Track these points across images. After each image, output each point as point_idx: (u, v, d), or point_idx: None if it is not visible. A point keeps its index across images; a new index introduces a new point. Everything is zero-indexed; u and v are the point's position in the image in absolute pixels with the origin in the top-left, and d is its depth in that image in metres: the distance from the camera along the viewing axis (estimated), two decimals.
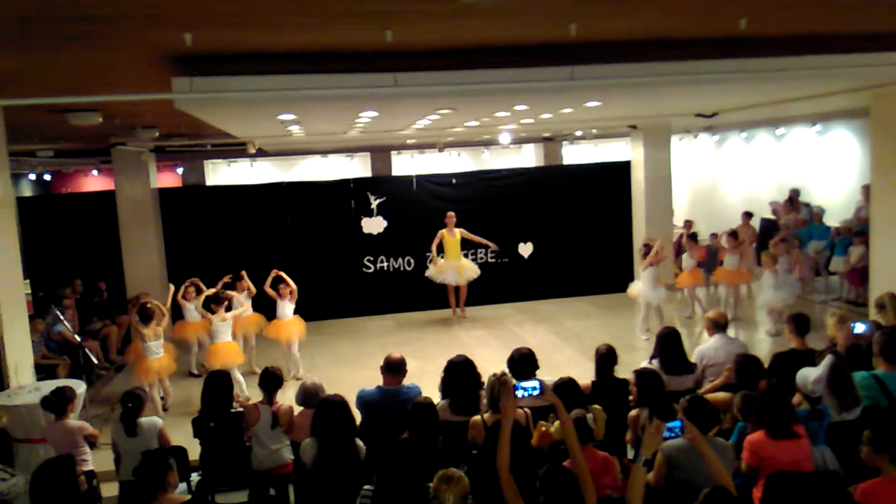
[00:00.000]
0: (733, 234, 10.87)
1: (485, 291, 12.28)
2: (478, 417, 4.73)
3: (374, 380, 5.63)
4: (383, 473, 3.97)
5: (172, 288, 9.01)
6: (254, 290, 9.23)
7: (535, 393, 3.88)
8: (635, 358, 8.01)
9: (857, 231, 10.91)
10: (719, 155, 17.31)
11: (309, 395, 5.40)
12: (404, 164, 18.42)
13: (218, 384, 5.69)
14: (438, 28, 4.84)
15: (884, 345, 5.14)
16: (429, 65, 5.44)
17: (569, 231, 13.31)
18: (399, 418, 4.78)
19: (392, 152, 17.51)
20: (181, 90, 5.12)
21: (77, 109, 7.23)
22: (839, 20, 5.42)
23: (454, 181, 13.14)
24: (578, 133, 15.00)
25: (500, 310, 12.40)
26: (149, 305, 8.03)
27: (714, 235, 13.00)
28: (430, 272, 11.51)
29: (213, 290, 8.85)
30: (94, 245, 12.04)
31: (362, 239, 12.69)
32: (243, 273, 9.29)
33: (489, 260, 12.89)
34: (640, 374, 5.22)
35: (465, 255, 11.87)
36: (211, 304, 8.31)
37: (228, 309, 8.48)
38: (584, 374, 5.64)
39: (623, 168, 13.42)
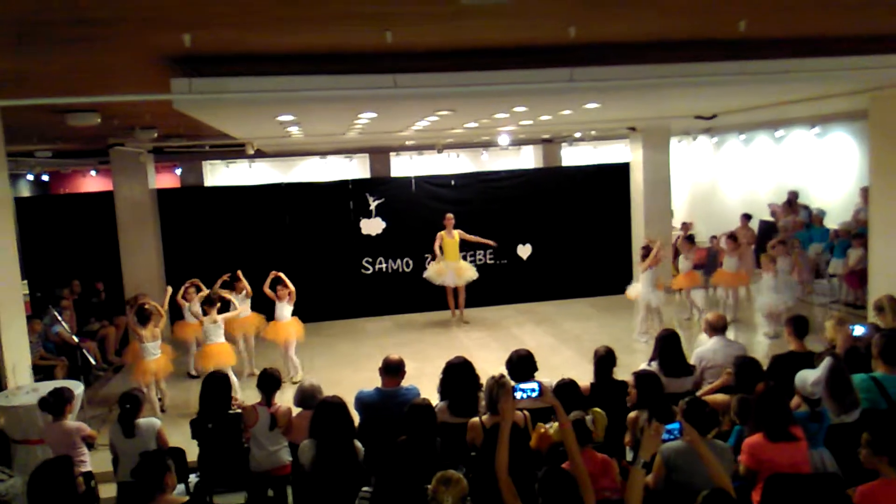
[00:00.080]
0: (732, 237, 10.87)
1: (483, 293, 12.28)
2: (476, 419, 4.72)
3: (372, 381, 5.62)
4: (382, 475, 3.96)
5: (170, 290, 8.99)
6: (251, 291, 9.22)
7: (534, 395, 3.88)
8: (634, 360, 8.00)
9: (856, 233, 10.92)
10: (718, 157, 17.33)
11: (307, 397, 5.39)
12: (403, 166, 18.43)
13: (216, 385, 5.69)
14: (438, 29, 4.83)
15: (883, 347, 5.14)
16: (428, 66, 5.44)
17: (568, 233, 13.31)
18: (398, 420, 4.76)
19: (391, 153, 17.52)
20: (180, 91, 5.11)
21: (76, 110, 7.22)
22: (839, 22, 5.42)
23: (453, 182, 13.14)
24: (577, 135, 15.01)
25: (499, 311, 12.39)
26: (147, 306, 8.02)
27: (714, 238, 13.00)
28: (429, 274, 11.50)
29: (208, 291, 8.85)
30: (93, 246, 12.02)
31: (361, 240, 12.68)
32: (239, 273, 9.28)
33: (488, 261, 12.90)
34: (640, 376, 5.22)
35: (464, 257, 11.86)
36: (203, 306, 8.31)
37: (223, 310, 8.49)
38: (583, 376, 5.64)
39: (622, 170, 13.42)
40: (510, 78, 5.55)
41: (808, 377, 4.87)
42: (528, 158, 19.65)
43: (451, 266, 11.32)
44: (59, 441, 5.49)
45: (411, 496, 3.75)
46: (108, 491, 5.75)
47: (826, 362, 4.85)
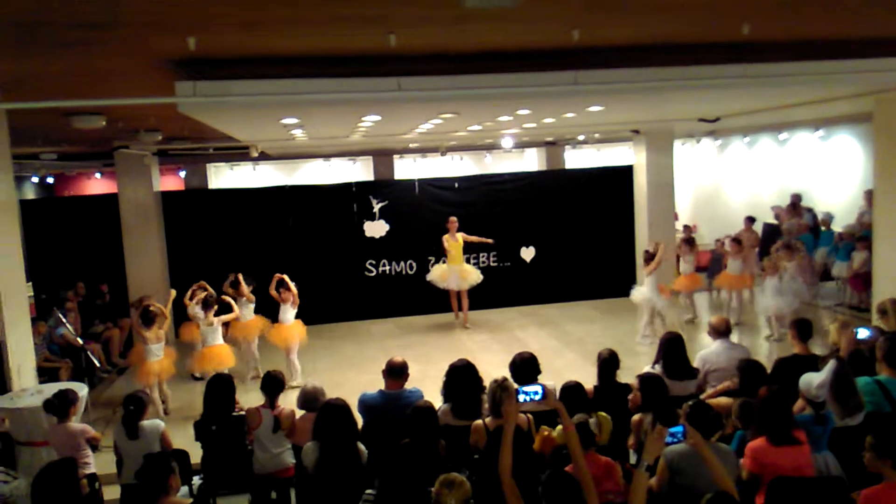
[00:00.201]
0: (736, 240, 10.87)
1: (487, 295, 12.27)
2: (480, 422, 4.73)
3: (376, 383, 5.63)
4: (385, 477, 3.96)
5: (174, 293, 9.01)
6: (251, 296, 9.22)
7: (537, 398, 3.88)
8: (637, 363, 8.00)
9: (860, 236, 10.90)
10: (722, 160, 17.31)
11: (310, 399, 5.39)
12: (407, 168, 18.44)
13: (220, 387, 5.70)
14: (442, 32, 4.84)
15: (887, 350, 5.13)
16: (432, 69, 5.45)
17: (571, 235, 13.31)
18: (401, 422, 4.77)
19: (394, 156, 17.54)
20: (185, 94, 5.13)
21: (81, 113, 7.25)
22: (842, 26, 5.42)
23: (456, 185, 13.15)
24: (581, 137, 15.00)
25: (502, 314, 12.39)
26: (151, 308, 8.04)
27: (719, 241, 12.99)
28: (432, 277, 11.50)
29: (206, 294, 8.87)
30: (97, 248, 12.04)
31: (364, 242, 12.70)
32: (240, 276, 9.28)
33: (491, 264, 12.90)
34: (644, 378, 5.22)
35: (467, 260, 11.86)
36: (201, 308, 8.33)
37: (222, 312, 8.49)
38: (587, 379, 5.63)
39: (625, 172, 13.41)
40: (514, 81, 5.55)
41: (812, 380, 4.86)
42: (531, 161, 19.66)
43: (455, 269, 11.32)
44: (63, 443, 5.50)
45: (414, 499, 3.75)
46: (111, 493, 5.75)
47: (831, 365, 4.84)
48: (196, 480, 5.69)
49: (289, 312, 8.97)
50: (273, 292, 9.01)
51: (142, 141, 9.91)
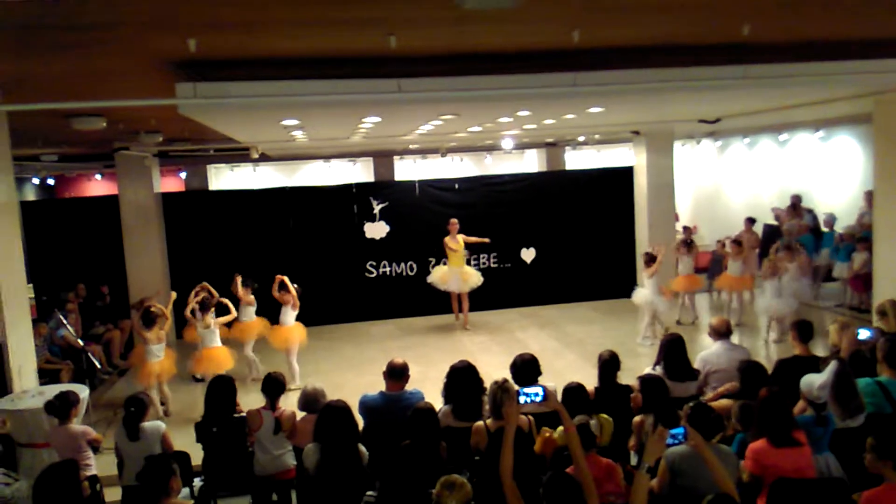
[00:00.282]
0: (736, 242, 10.87)
1: (487, 297, 12.26)
2: (480, 423, 4.73)
3: (376, 385, 5.63)
4: (386, 479, 3.96)
5: (174, 294, 9.00)
6: (249, 299, 9.21)
7: (538, 399, 3.88)
8: (638, 364, 8.00)
9: (860, 237, 10.90)
10: (722, 161, 17.31)
11: (310, 401, 5.39)
12: (407, 169, 18.45)
13: (221, 389, 5.70)
14: (442, 34, 4.85)
15: (888, 351, 5.13)
16: (432, 70, 5.45)
17: (571, 236, 13.31)
18: (402, 424, 4.77)
19: (395, 157, 17.54)
20: (185, 96, 5.13)
21: (81, 114, 7.26)
22: (842, 26, 5.42)
23: (457, 186, 13.16)
24: (581, 138, 15.01)
25: (503, 315, 12.39)
26: (152, 309, 8.05)
27: (721, 243, 12.99)
28: (433, 279, 11.50)
29: (210, 293, 8.87)
30: (98, 249, 12.04)
31: (365, 244, 12.70)
32: (237, 278, 9.28)
33: (492, 265, 12.90)
34: (645, 380, 5.22)
35: (468, 262, 11.86)
36: (198, 310, 8.31)
37: (222, 313, 8.49)
38: (587, 380, 5.62)
39: (626, 173, 13.41)
40: (514, 82, 5.56)
41: (814, 381, 4.86)
42: (531, 162, 19.66)
43: (456, 271, 11.32)
44: (64, 444, 5.50)
45: (415, 500, 3.75)
46: (113, 494, 5.76)
47: (832, 366, 4.84)
48: (197, 482, 5.69)
49: (289, 314, 8.97)
50: (276, 294, 9.00)
51: (142, 142, 9.92)
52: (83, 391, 6.50)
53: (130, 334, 10.67)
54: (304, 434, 5.20)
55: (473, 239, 11.56)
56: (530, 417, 4.74)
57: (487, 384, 4.91)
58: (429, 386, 5.97)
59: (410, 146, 14.24)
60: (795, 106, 9.46)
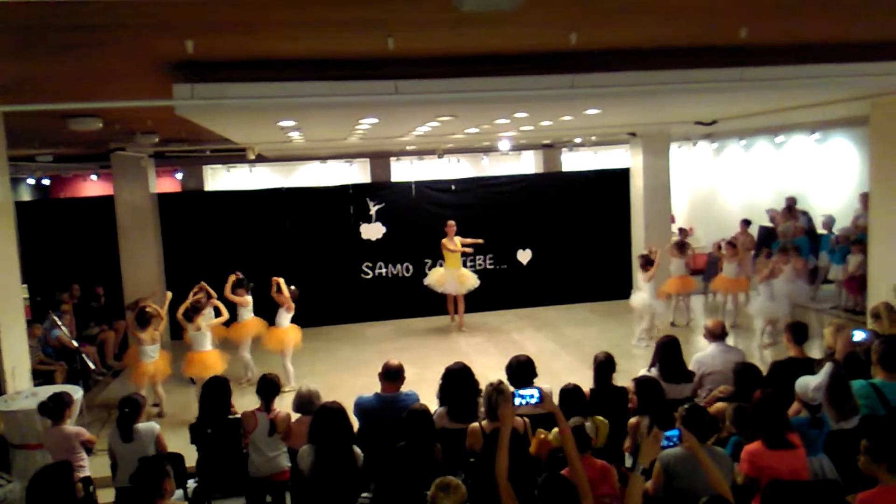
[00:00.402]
0: (731, 243, 10.89)
1: (483, 298, 12.27)
2: (476, 425, 4.72)
3: (372, 386, 5.62)
4: (381, 481, 3.96)
5: (170, 295, 8.98)
6: (249, 300, 9.19)
7: (534, 401, 3.88)
8: (633, 366, 8.00)
9: (855, 239, 10.93)
10: (718, 163, 17.34)
11: (305, 402, 5.39)
12: (403, 170, 18.42)
13: (216, 390, 5.68)
14: (439, 36, 4.85)
15: (882, 354, 5.13)
16: (429, 72, 5.45)
17: (568, 238, 13.32)
18: (397, 426, 4.76)
19: (391, 158, 17.51)
20: (182, 97, 5.13)
21: (78, 115, 7.24)
22: (839, 29, 5.44)
23: (453, 187, 13.16)
24: (578, 140, 15.02)
25: (499, 316, 12.40)
26: (147, 309, 8.03)
27: (717, 245, 13.01)
28: (430, 281, 11.49)
29: (209, 293, 8.85)
30: (93, 250, 12.02)
31: (361, 245, 12.69)
32: (236, 276, 9.26)
33: (488, 266, 12.90)
34: (640, 381, 5.22)
35: (464, 264, 11.85)
36: (189, 313, 8.27)
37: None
38: (583, 382, 5.61)
39: (622, 175, 13.44)
40: (511, 84, 5.56)
41: (809, 383, 4.87)
42: (528, 163, 19.66)
43: (453, 273, 11.32)
44: (58, 446, 5.48)
45: (410, 502, 3.74)
46: (106, 496, 5.74)
47: (827, 368, 4.84)
48: (191, 483, 5.67)
49: (283, 317, 8.95)
50: (275, 295, 8.98)
51: (138, 143, 9.91)
52: (77, 392, 6.48)
53: (125, 335, 10.65)
54: (298, 436, 5.20)
55: (469, 241, 11.57)
56: (526, 419, 4.74)
57: (483, 386, 4.90)
58: (424, 387, 5.97)
59: (407, 147, 14.22)
60: (792, 108, 9.49)
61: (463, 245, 11.43)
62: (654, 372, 5.84)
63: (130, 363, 8.31)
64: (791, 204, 13.42)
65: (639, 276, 10.25)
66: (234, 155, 12.96)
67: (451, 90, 5.54)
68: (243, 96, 5.28)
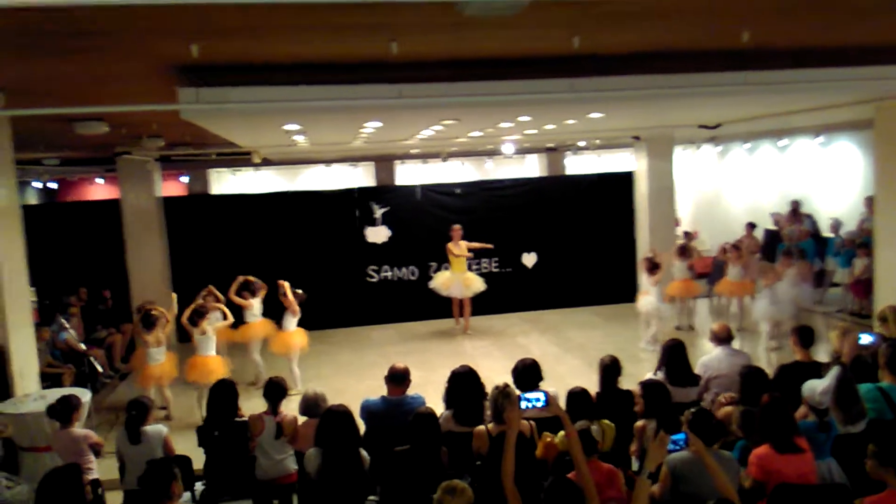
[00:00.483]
0: (735, 247, 10.88)
1: (488, 301, 12.27)
2: (482, 428, 4.72)
3: (377, 390, 5.63)
4: (387, 484, 3.96)
5: (175, 297, 9.00)
6: (250, 303, 9.21)
7: (540, 404, 3.88)
8: (639, 369, 8.00)
9: (861, 243, 10.90)
10: (722, 166, 17.32)
11: (311, 405, 5.40)
12: (408, 174, 18.45)
13: (223, 393, 5.70)
14: (443, 40, 4.87)
15: (889, 357, 5.13)
16: (433, 76, 5.47)
17: (572, 241, 13.32)
18: (403, 429, 4.77)
19: (396, 162, 17.56)
20: (187, 101, 5.15)
21: (84, 119, 7.28)
22: (842, 33, 5.44)
23: (457, 191, 13.18)
24: (582, 143, 15.03)
25: (504, 320, 12.39)
26: (153, 312, 8.04)
27: (723, 248, 12.99)
28: (435, 285, 11.50)
29: (216, 296, 8.87)
30: (99, 253, 12.07)
31: (366, 248, 12.71)
32: (244, 278, 9.27)
33: (493, 269, 12.91)
34: (647, 385, 5.22)
35: (469, 267, 11.86)
36: (194, 317, 8.29)
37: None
38: (589, 385, 5.61)
39: (626, 178, 13.43)
40: (514, 88, 5.58)
41: (816, 387, 4.86)
42: (532, 167, 19.68)
43: (458, 277, 11.33)
44: (66, 448, 5.50)
45: None
46: (114, 499, 5.76)
47: (834, 371, 4.84)
48: (199, 486, 5.68)
49: (289, 320, 8.98)
50: (282, 298, 9.00)
51: (144, 147, 9.95)
52: (85, 395, 6.50)
53: (132, 338, 10.68)
54: (305, 439, 5.21)
55: (477, 245, 11.58)
56: (532, 423, 4.74)
57: (489, 389, 4.91)
58: (430, 391, 5.98)
59: (412, 151, 14.25)
60: (796, 111, 9.48)
61: (469, 249, 11.44)
62: (660, 375, 5.84)
63: (137, 366, 8.33)
64: (795, 207, 13.41)
65: (644, 280, 10.24)
66: (239, 158, 13.00)
67: (455, 94, 5.56)
68: (248, 100, 5.30)
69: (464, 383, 5.19)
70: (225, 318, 8.79)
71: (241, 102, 5.29)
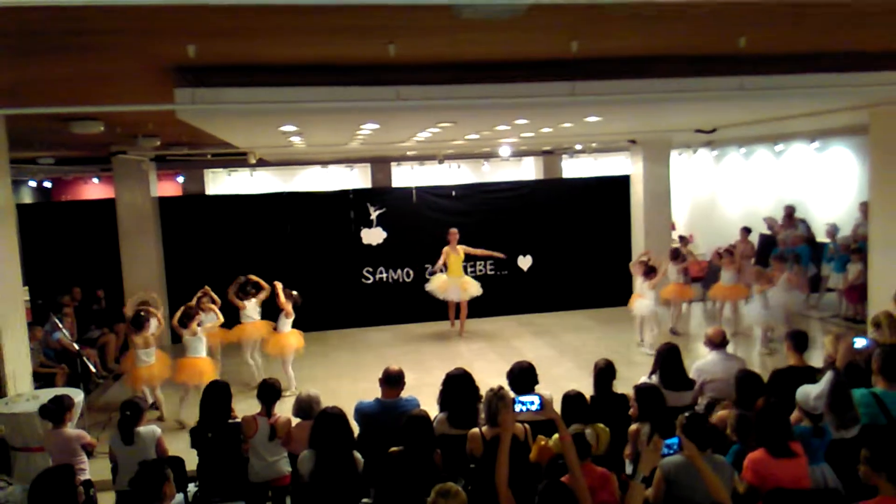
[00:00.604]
0: (729, 251, 10.90)
1: (484, 304, 12.27)
2: (476, 431, 4.71)
3: (372, 392, 5.62)
4: (381, 486, 3.95)
5: (159, 299, 8.96)
6: (242, 304, 9.19)
7: (534, 407, 3.88)
8: (634, 373, 7.99)
9: (855, 248, 10.94)
10: (718, 170, 17.37)
11: (305, 407, 5.38)
12: (404, 176, 18.46)
13: (216, 395, 5.68)
14: (440, 42, 4.87)
15: (883, 363, 5.13)
16: (430, 78, 5.48)
17: (568, 244, 13.33)
18: (397, 431, 4.76)
19: (392, 163, 17.56)
20: (183, 101, 5.15)
21: (79, 118, 7.26)
22: (838, 39, 5.46)
23: (454, 193, 13.17)
24: (578, 147, 15.05)
25: (499, 323, 12.39)
26: (142, 313, 8.00)
27: (717, 252, 13.01)
28: (432, 288, 11.48)
29: (212, 297, 8.85)
30: (94, 253, 12.03)
31: (361, 250, 12.70)
32: (241, 279, 9.25)
33: (488, 272, 12.91)
34: (641, 389, 5.22)
35: (464, 269, 11.86)
36: (184, 319, 8.26)
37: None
38: (583, 389, 5.61)
39: (622, 182, 13.46)
40: (512, 91, 5.59)
41: (810, 392, 4.87)
42: (528, 170, 19.68)
43: (455, 281, 11.32)
44: (59, 449, 5.48)
45: None
46: (106, 499, 5.74)
47: (828, 376, 4.85)
48: (191, 488, 5.66)
49: (283, 322, 8.96)
50: (276, 300, 8.98)
51: (140, 146, 9.94)
52: (78, 395, 6.48)
53: (125, 339, 10.64)
54: (298, 441, 5.19)
55: (483, 252, 11.56)
56: (526, 426, 4.74)
57: (483, 392, 4.90)
58: (425, 393, 5.96)
59: (408, 153, 14.26)
60: (792, 117, 9.52)
61: (469, 253, 11.43)
62: (654, 379, 5.85)
63: (128, 367, 8.29)
64: (790, 212, 13.44)
65: (639, 283, 10.24)
66: (235, 159, 12.98)
67: (452, 96, 5.56)
68: (244, 101, 5.30)
69: (458, 386, 5.18)
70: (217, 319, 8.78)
71: (237, 103, 5.29)
